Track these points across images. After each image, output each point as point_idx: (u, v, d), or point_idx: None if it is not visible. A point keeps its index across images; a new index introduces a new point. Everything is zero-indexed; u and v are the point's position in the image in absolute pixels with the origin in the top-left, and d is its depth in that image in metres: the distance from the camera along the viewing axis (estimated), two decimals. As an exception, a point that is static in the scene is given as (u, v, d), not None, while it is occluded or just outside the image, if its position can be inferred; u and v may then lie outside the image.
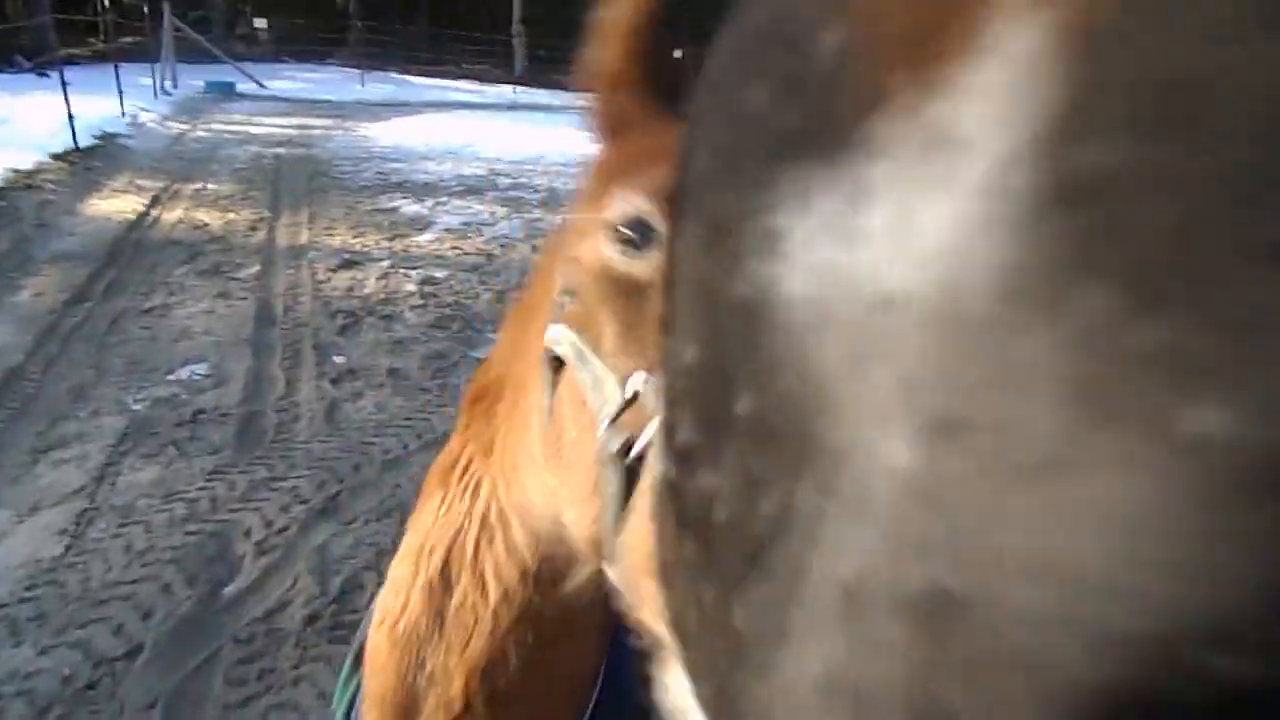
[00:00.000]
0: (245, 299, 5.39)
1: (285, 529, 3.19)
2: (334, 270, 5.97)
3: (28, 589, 2.81)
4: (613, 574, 0.47)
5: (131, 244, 6.44)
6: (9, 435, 3.73)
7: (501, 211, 7.80)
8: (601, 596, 0.65)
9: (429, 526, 0.73)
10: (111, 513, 3.22)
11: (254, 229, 6.90)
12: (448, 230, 7.10)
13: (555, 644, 0.71)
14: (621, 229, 0.48)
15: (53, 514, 3.19)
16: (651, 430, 0.41)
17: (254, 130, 12.07)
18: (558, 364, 0.53)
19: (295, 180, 8.68)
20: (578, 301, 0.52)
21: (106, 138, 10.32)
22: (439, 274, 6.00)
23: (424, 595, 0.71)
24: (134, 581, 2.87)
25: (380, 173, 9.21)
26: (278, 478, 3.50)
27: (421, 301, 5.49)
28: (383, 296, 5.54)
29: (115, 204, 7.56)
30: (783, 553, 0.19)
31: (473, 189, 8.65)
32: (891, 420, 0.16)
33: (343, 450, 3.73)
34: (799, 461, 0.19)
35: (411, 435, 3.89)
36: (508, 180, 9.14)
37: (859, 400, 0.17)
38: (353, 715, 0.91)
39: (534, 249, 6.75)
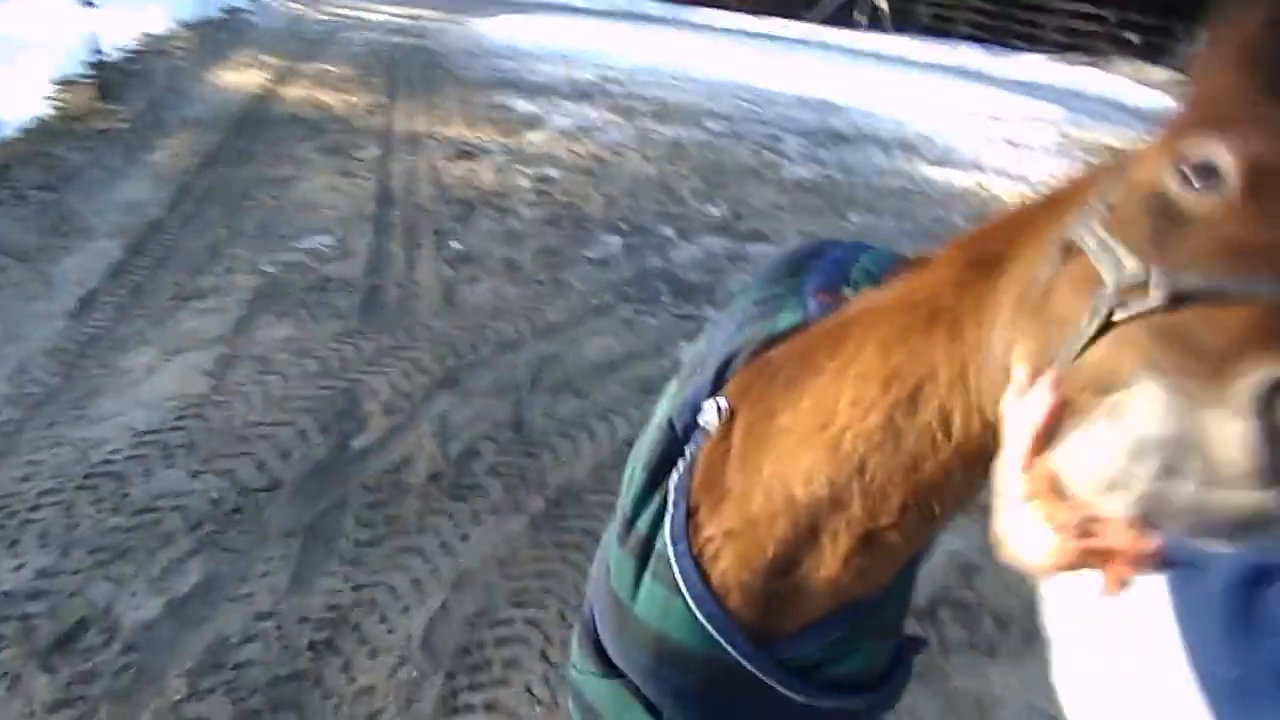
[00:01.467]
0: (366, 179, 5.54)
1: (409, 394, 3.35)
2: (450, 159, 6.07)
3: (177, 419, 3.03)
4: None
5: (257, 116, 6.64)
6: (151, 283, 3.96)
7: (613, 118, 7.77)
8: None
9: (890, 365, 0.81)
10: (250, 361, 3.42)
11: (372, 113, 7.02)
12: (561, 131, 7.12)
13: (957, 498, 0.83)
14: (1188, 166, 0.57)
15: (196, 356, 3.41)
16: (1139, 304, 0.55)
17: (369, 17, 12.14)
18: (1069, 250, 0.65)
19: (411, 69, 8.76)
20: (1115, 211, 0.63)
21: (232, 11, 10.53)
22: (553, 173, 6.05)
23: (885, 415, 0.81)
24: (273, 424, 3.06)
25: (494, 69, 9.23)
26: (401, 347, 3.66)
27: (535, 198, 5.56)
28: (498, 189, 5.62)
29: (242, 76, 7.75)
30: None
31: (585, 93, 8.61)
32: None
33: (460, 329, 3.86)
34: None
35: (525, 322, 4.00)
36: (619, 88, 9.07)
37: None
38: (663, 529, 1.01)
39: (645, 158, 6.74)
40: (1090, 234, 0.64)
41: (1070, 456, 0.57)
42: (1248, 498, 0.46)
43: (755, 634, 0.97)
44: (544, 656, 2.30)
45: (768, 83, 10.46)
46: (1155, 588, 0.64)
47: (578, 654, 1.17)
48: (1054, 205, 0.76)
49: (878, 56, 14.87)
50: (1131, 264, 0.58)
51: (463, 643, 2.32)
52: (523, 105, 7.81)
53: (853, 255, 1.25)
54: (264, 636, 2.26)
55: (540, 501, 2.88)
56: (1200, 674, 0.60)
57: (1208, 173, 0.57)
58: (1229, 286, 0.52)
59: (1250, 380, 0.46)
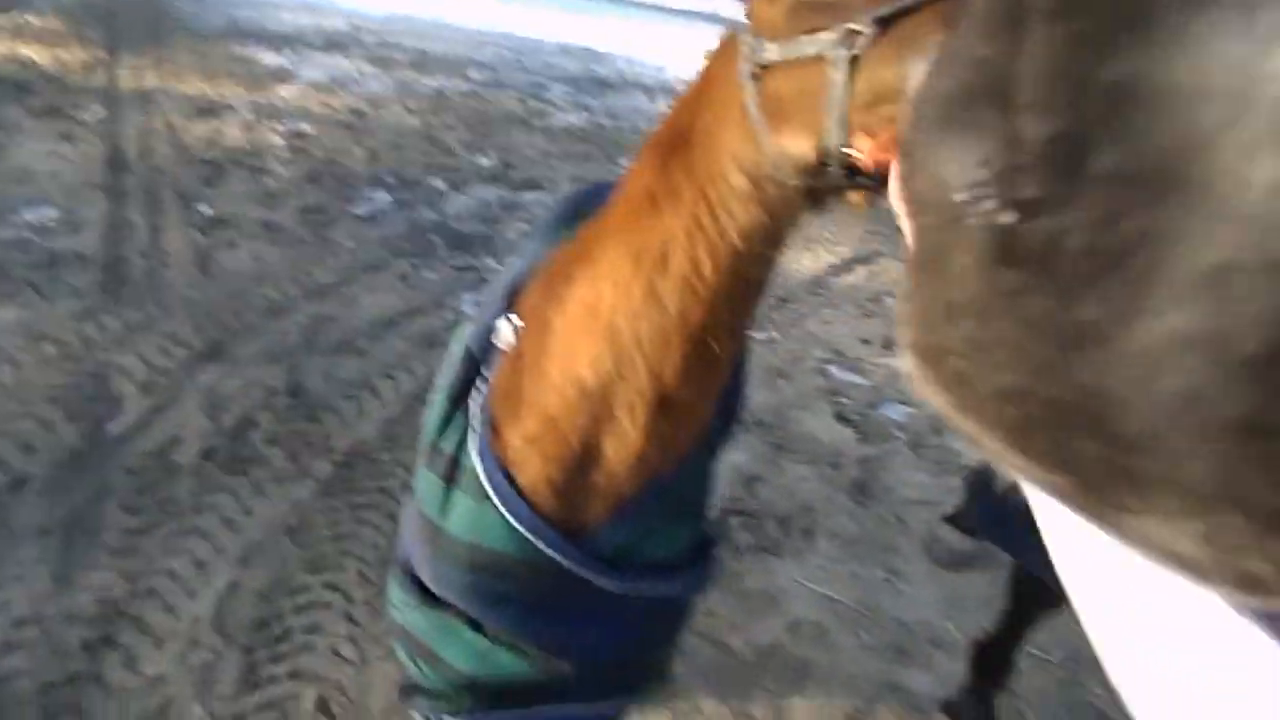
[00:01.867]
0: (91, 143, 4.97)
1: (168, 370, 3.10)
2: (190, 118, 5.57)
3: (-114, 424, 2.64)
4: (835, 138, 0.73)
5: (-55, 76, 5.76)
6: None
7: (370, 69, 7.42)
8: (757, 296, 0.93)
9: (634, 247, 0.91)
10: (-29, 351, 3.03)
11: (91, 69, 6.28)
12: (313, 84, 6.71)
13: (730, 332, 0.93)
14: None
15: (-99, 352, 2.97)
16: (868, 38, 0.68)
17: (74, -37, 10.76)
18: (763, 72, 0.77)
19: (132, 20, 7.88)
20: (774, 36, 0.76)
21: (-106, -45, 8.96)
22: (307, 128, 5.71)
23: (645, 285, 0.89)
24: (10, 417, 2.75)
25: (230, 19, 8.49)
26: (153, 321, 3.37)
27: (291, 155, 5.23)
28: (248, 148, 5.24)
29: (-82, 31, 6.67)
30: (1138, 261, 0.23)
31: (336, 44, 8.13)
32: (1264, 149, 0.21)
33: (221, 297, 3.61)
34: (1162, 193, 0.22)
35: (293, 285, 3.80)
36: (373, 38, 8.63)
37: (1236, 143, 0.21)
38: (467, 445, 1.04)
39: (407, 109, 6.50)
40: (772, 52, 0.77)
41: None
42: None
43: (567, 529, 1.02)
44: (348, 617, 2.26)
45: (529, 31, 10.34)
46: None
47: (396, 593, 1.19)
48: (702, 80, 0.90)
49: (637, 4, 15.06)
50: (827, 36, 0.72)
51: (258, 616, 2.23)
52: (268, 57, 7.26)
53: None
54: (27, 645, 2.06)
55: (328, 465, 2.78)
56: None
57: None
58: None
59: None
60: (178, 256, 3.89)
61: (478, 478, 1.03)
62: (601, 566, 1.04)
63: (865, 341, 4.28)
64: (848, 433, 3.48)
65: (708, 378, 0.97)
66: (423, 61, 8.02)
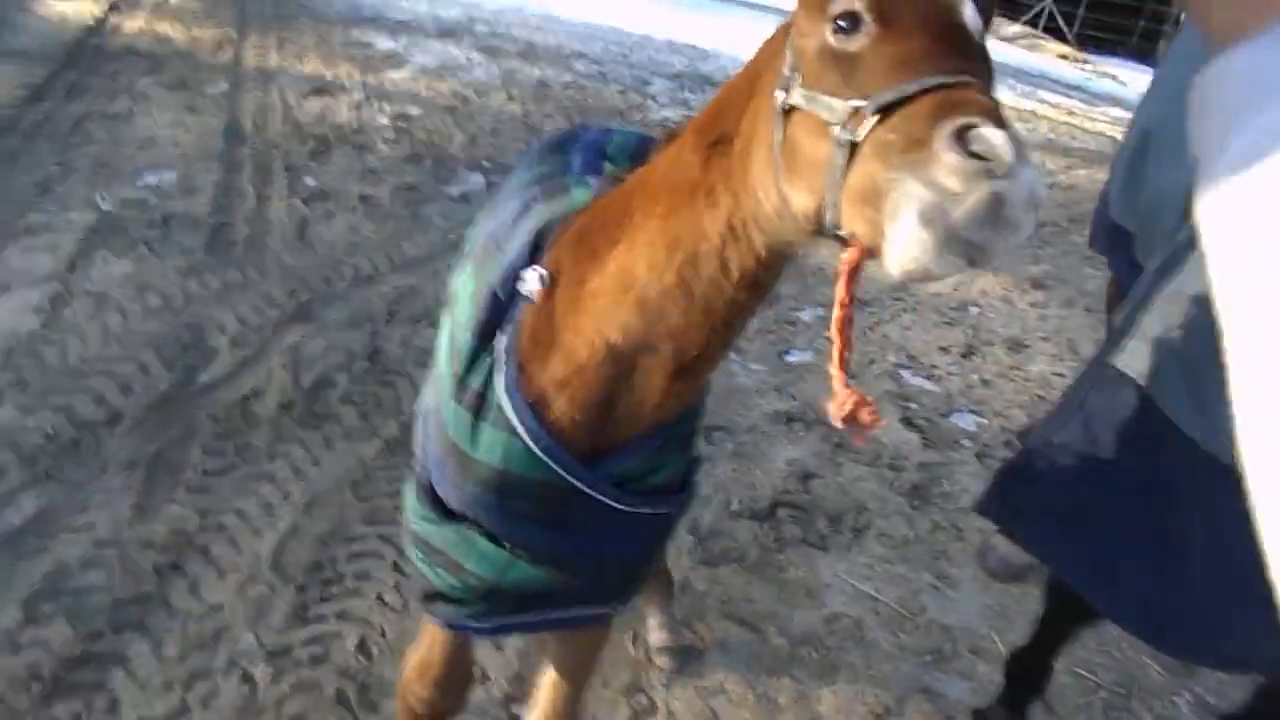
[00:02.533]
0: (213, 115, 5.30)
1: (259, 328, 3.30)
2: (304, 96, 5.86)
3: (7, 357, 2.90)
4: (830, 217, 0.80)
5: (90, 49, 6.21)
6: (-26, 221, 3.72)
7: (478, 58, 7.64)
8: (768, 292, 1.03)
9: (670, 235, 1.00)
10: (86, 298, 3.28)
11: (220, 47, 6.67)
12: (423, 69, 6.95)
13: (745, 314, 1.04)
14: (838, 21, 0.78)
15: (26, 294, 3.25)
16: (868, 126, 0.73)
17: (217, -51, 11.41)
18: (789, 112, 0.84)
19: (262, 4, 8.33)
20: (802, 74, 0.82)
21: (59, -62, 9.69)
22: (413, 110, 5.93)
23: (676, 274, 1.00)
24: (113, 359, 2.97)
25: (352, 5, 8.87)
26: (250, 282, 3.58)
27: (395, 135, 5.45)
28: (355, 126, 5.48)
29: (72, 6, 7.21)
30: None
31: (449, 32, 8.40)
32: None
33: (314, 264, 3.81)
34: None
35: (382, 257, 3.97)
36: (485, 28, 8.88)
37: None
38: (494, 382, 1.16)
39: (509, 97, 6.68)
40: (798, 95, 0.82)
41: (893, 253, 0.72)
42: (980, 193, 0.65)
43: (585, 458, 1.15)
44: (396, 568, 2.37)
45: (638, 28, 10.45)
46: None
47: (415, 507, 1.30)
48: (753, 79, 0.95)
49: (747, 4, 15.01)
50: (839, 105, 0.77)
51: (314, 559, 2.36)
52: (383, 42, 7.56)
53: (603, 137, 1.42)
54: (105, 563, 2.24)
55: (395, 426, 2.91)
56: None
57: (852, 19, 0.78)
58: (906, 88, 0.72)
59: (944, 130, 0.67)
60: (279, 224, 4.12)
61: (504, 412, 1.14)
62: (614, 490, 1.18)
63: (943, 349, 4.20)
64: (913, 437, 3.43)
65: (721, 351, 1.10)
66: (530, 52, 8.20)
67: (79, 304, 3.24)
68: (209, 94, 5.63)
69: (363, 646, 2.14)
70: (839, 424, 0.87)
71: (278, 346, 3.20)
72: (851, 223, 0.76)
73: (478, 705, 2.03)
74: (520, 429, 1.13)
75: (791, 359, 3.82)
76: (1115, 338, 1.61)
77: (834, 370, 0.87)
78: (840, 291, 0.82)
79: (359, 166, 4.91)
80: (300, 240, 4.00)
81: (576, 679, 1.67)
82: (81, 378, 2.86)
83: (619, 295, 1.05)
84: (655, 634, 2.23)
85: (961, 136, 0.66)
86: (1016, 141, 0.66)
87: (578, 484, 1.16)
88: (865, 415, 0.86)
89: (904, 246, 0.68)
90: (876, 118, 0.72)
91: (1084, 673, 2.48)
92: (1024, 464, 1.70)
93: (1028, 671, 2.11)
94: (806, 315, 4.19)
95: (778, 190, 0.87)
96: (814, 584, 2.61)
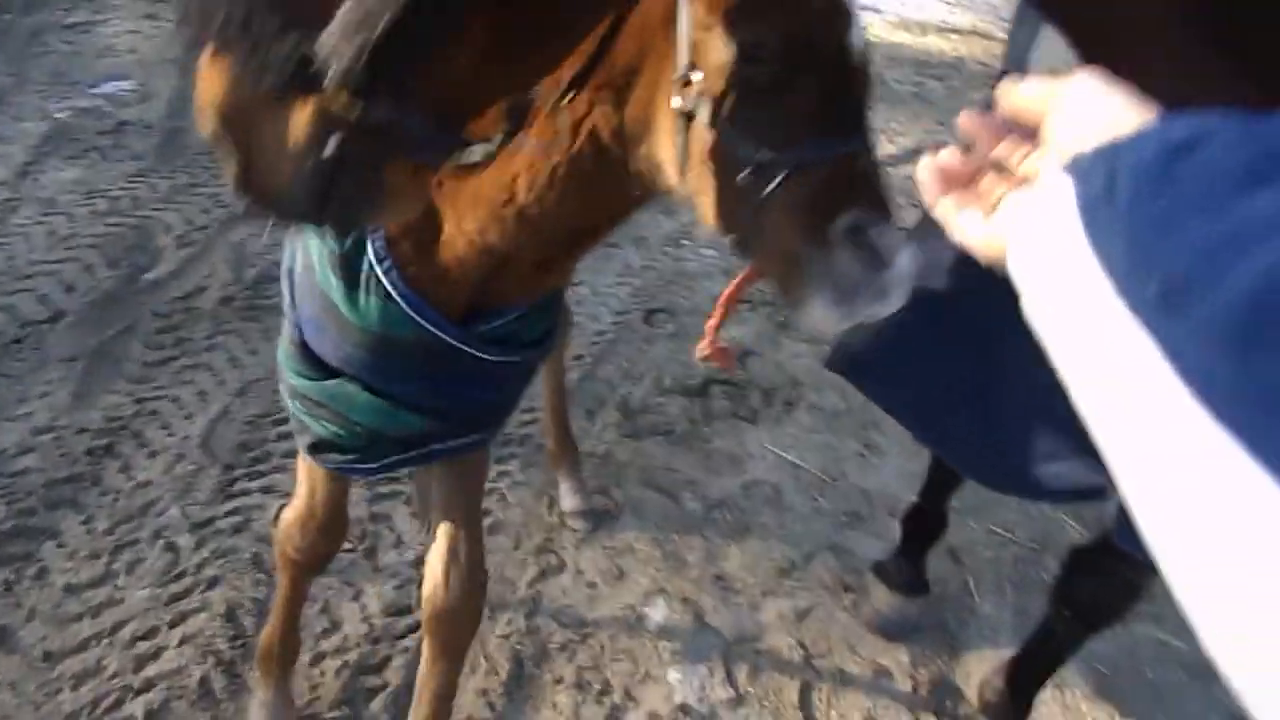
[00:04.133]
0: (172, 21, 5.23)
1: (205, 228, 3.34)
2: None
3: (-47, 262, 2.97)
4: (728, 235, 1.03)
5: (53, -40, 6.12)
6: (-70, 135, 3.75)
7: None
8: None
9: (551, 164, 1.12)
10: (34, 203, 3.33)
11: (185, -46, 6.54)
12: None
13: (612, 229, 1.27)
14: (750, 49, 0.92)
15: (-24, 202, 3.30)
16: (777, 179, 0.92)
17: None
18: (690, 116, 0.99)
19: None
20: (706, 83, 0.96)
21: None
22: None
23: (557, 194, 1.13)
24: (57, 261, 3.04)
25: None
26: (200, 184, 3.61)
27: (356, 35, 5.36)
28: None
29: (35, -81, 7.07)
30: None
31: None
32: None
33: (265, 165, 3.81)
34: None
35: (335, 156, 3.96)
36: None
37: None
38: (367, 253, 1.24)
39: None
40: (703, 111, 0.96)
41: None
42: (874, 285, 0.90)
43: (464, 323, 1.28)
44: (323, 446, 2.45)
45: None
46: None
47: (295, 364, 1.38)
48: (643, 39, 1.03)
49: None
50: (750, 154, 0.93)
51: (243, 440, 2.45)
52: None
53: None
54: (41, 448, 2.34)
55: (333, 316, 2.97)
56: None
57: (764, 51, 0.89)
58: (815, 156, 0.91)
59: (846, 221, 0.89)
60: (233, 127, 4.11)
61: (382, 284, 1.24)
62: (488, 346, 1.31)
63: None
64: (859, 315, 3.44)
65: (591, 246, 1.30)
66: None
67: (26, 209, 3.29)
68: (169, 0, 5.55)
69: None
70: (699, 359, 1.17)
71: (222, 244, 3.25)
72: (763, 265, 1.01)
73: (390, 566, 2.14)
74: (401, 301, 1.24)
75: (744, 243, 3.80)
76: None
77: (709, 324, 1.14)
78: (731, 290, 1.10)
79: (318, 68, 4.86)
80: (253, 142, 3.99)
81: (470, 512, 1.69)
82: (26, 279, 2.93)
83: (499, 206, 1.16)
84: (567, 499, 2.32)
85: (860, 232, 0.88)
86: (901, 231, 0.90)
87: (453, 341, 1.27)
88: (721, 361, 1.18)
89: (812, 318, 0.95)
90: (785, 172, 0.90)
91: (1000, 530, 2.54)
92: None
93: (921, 521, 2.17)
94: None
95: (678, 177, 1.03)
96: (738, 454, 2.67)
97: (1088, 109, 0.51)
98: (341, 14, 0.68)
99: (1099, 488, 1.43)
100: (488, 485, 2.29)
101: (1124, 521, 1.36)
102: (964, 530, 2.48)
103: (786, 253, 0.94)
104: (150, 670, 1.89)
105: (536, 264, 1.25)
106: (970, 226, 0.60)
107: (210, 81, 0.78)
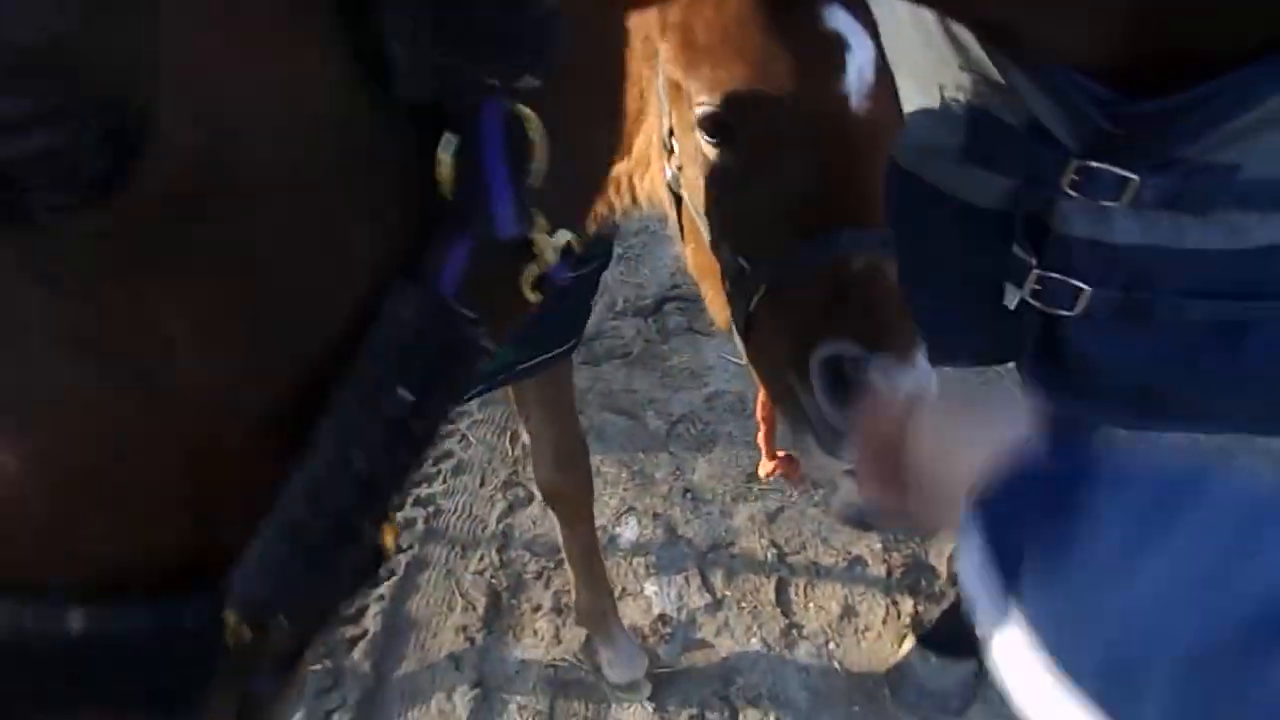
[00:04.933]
0: None
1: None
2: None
3: None
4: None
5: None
6: None
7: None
8: None
9: None
10: None
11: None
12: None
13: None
14: (706, 129, 0.77)
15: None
16: (760, 291, 0.81)
17: None
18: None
19: None
20: (679, 143, 0.85)
21: None
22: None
23: None
24: None
25: None
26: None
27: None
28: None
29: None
30: None
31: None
32: None
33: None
34: None
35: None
36: None
37: None
38: None
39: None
40: (682, 179, 0.85)
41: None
42: (855, 422, 0.72)
43: None
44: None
45: None
46: None
47: None
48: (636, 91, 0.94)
49: None
50: (725, 259, 0.82)
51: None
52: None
53: None
54: None
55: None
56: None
57: (723, 131, 0.76)
58: (791, 268, 0.76)
59: (822, 354, 0.71)
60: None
61: None
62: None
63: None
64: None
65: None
66: None
67: None
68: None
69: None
70: (765, 478, 1.03)
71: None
72: (763, 386, 0.87)
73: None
74: None
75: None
76: None
77: (761, 442, 0.99)
78: (764, 399, 0.93)
79: None
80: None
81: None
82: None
83: None
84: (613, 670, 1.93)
85: (836, 366, 0.71)
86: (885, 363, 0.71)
87: None
88: (790, 473, 0.99)
89: (803, 457, 0.85)
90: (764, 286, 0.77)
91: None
92: None
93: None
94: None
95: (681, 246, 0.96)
96: (697, 368, 2.66)
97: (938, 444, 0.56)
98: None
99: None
100: (449, 427, 2.28)
101: None
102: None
103: (775, 383, 0.80)
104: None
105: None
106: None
107: None
